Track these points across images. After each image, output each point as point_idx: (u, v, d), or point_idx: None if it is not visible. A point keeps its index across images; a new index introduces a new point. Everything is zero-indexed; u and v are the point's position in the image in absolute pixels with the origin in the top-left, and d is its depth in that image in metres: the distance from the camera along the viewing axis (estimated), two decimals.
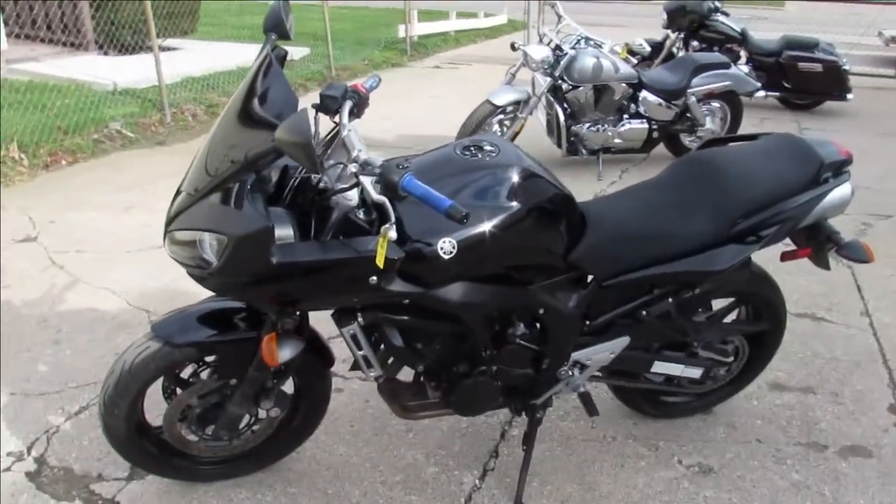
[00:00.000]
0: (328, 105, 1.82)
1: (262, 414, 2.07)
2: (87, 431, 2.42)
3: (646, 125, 5.35)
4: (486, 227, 1.74)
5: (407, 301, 1.78)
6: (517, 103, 5.17)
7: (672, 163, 2.22)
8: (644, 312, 2.10)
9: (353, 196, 1.65)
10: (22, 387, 2.68)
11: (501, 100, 5.08)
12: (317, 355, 2.03)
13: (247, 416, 2.07)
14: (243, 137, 1.70)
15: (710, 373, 2.35)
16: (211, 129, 1.83)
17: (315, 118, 1.85)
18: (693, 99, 5.32)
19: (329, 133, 1.86)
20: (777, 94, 7.39)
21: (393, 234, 1.50)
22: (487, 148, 1.87)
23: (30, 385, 2.69)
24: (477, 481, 2.26)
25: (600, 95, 5.23)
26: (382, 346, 1.94)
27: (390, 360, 1.97)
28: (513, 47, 5.30)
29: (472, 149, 1.86)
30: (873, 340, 3.12)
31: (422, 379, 2.09)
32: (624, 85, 5.22)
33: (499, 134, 5.30)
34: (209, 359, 1.97)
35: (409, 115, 7.00)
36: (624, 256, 2.00)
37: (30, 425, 2.46)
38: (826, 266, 2.25)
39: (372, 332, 1.90)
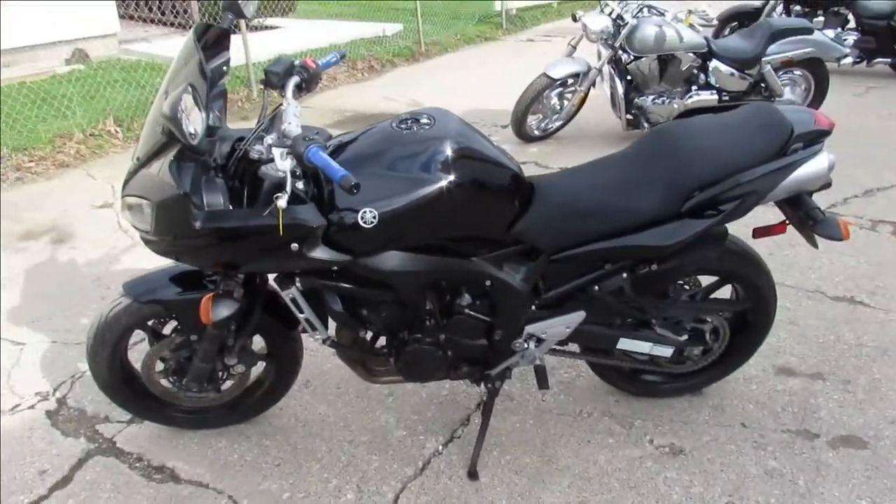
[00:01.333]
0: (271, 81, 1.91)
1: (237, 370, 2.23)
2: None
3: (716, 97, 5.07)
4: (410, 198, 1.78)
5: (335, 269, 1.86)
6: (576, 76, 5.06)
7: (640, 136, 2.14)
8: (596, 288, 2.07)
9: (283, 167, 1.72)
10: (63, 336, 3.00)
11: (559, 72, 4.99)
12: (278, 318, 2.15)
13: (219, 372, 2.23)
14: None
15: (683, 352, 2.27)
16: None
17: (264, 92, 1.97)
18: (769, 68, 4.98)
19: (275, 108, 1.95)
20: (888, 60, 6.74)
21: (282, 204, 1.57)
22: (423, 121, 1.90)
23: (70, 335, 3.01)
24: (440, 447, 2.33)
25: (666, 66, 5.02)
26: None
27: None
28: (574, 18, 5.17)
29: (408, 121, 1.90)
30: None
31: (377, 345, 2.18)
32: (691, 54, 4.97)
33: (557, 108, 5.22)
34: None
35: (485, 89, 6.98)
36: (570, 231, 1.97)
37: (61, 370, 2.77)
38: (813, 244, 2.11)
39: (315, 296, 1.99)
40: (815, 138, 1.95)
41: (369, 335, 2.12)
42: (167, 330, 2.22)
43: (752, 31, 5.15)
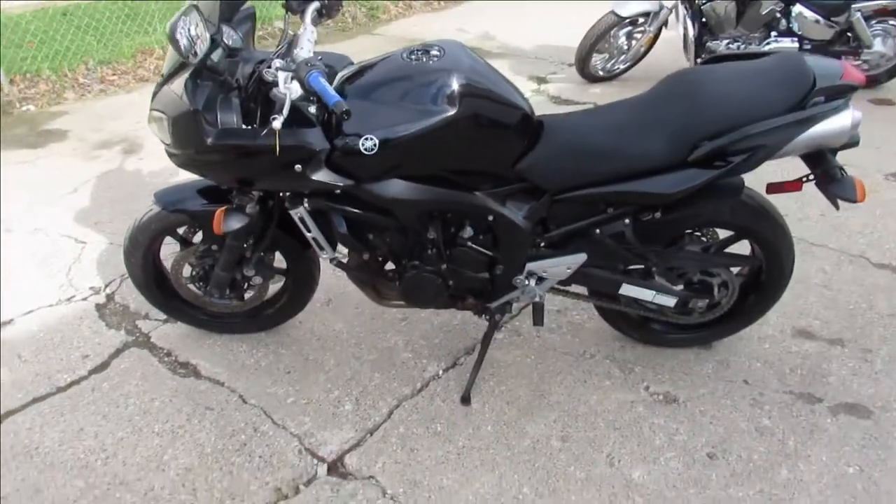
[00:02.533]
0: (291, 6, 1.98)
1: (255, 281, 2.39)
2: None
3: (796, 44, 4.78)
4: (411, 128, 1.83)
5: (339, 192, 1.95)
6: (647, 15, 4.87)
7: (661, 79, 2.10)
8: (597, 231, 2.08)
9: (283, 90, 1.79)
10: (120, 239, 3.20)
11: (627, 10, 4.81)
12: (294, 235, 2.27)
13: (242, 281, 2.39)
14: None
15: (687, 303, 2.26)
16: None
17: (286, 17, 2.04)
18: (858, 15, 4.63)
19: (294, 33, 2.02)
20: None
21: (277, 125, 1.65)
22: (433, 52, 1.92)
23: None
24: (440, 372, 2.44)
25: (744, 8, 4.74)
26: None
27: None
28: None
29: (418, 52, 1.93)
30: None
31: (385, 267, 2.28)
32: None
33: (625, 48, 5.06)
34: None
35: (562, 24, 6.77)
36: (574, 171, 1.98)
37: (113, 269, 3.02)
38: (835, 204, 2.04)
39: (323, 217, 2.09)
40: (840, 93, 1.86)
41: (377, 259, 2.21)
42: (197, 239, 2.38)
43: None
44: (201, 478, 2.04)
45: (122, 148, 4.31)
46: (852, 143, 1.95)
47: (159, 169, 3.96)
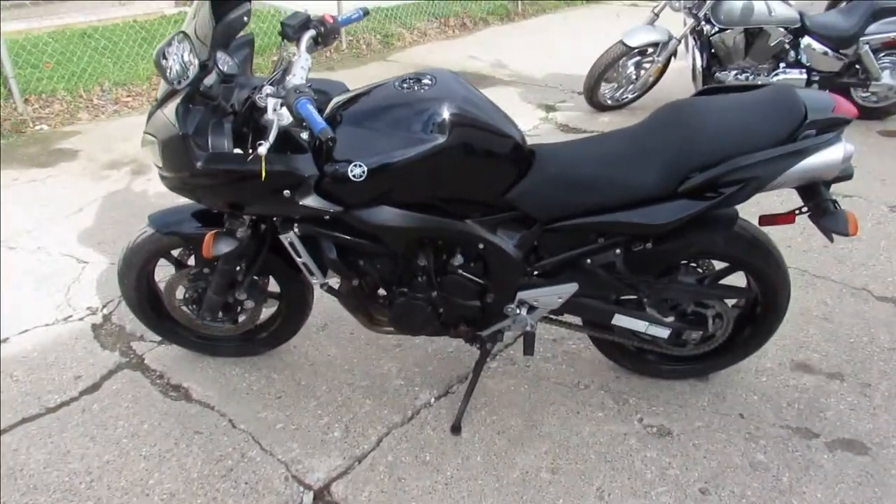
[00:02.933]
0: (286, 33, 2.00)
1: (247, 305, 2.39)
2: None
3: (804, 76, 4.78)
4: (400, 156, 1.83)
5: (328, 217, 1.95)
6: (656, 45, 4.88)
7: (655, 110, 2.09)
8: (588, 260, 2.06)
9: (271, 116, 1.81)
10: None
11: (636, 40, 4.83)
12: (286, 260, 2.27)
13: (234, 305, 2.39)
14: None
15: (680, 335, 2.24)
16: None
17: (282, 44, 2.07)
18: (866, 48, 4.63)
19: (289, 60, 2.04)
20: None
21: (262, 151, 1.66)
22: (425, 81, 1.93)
23: None
24: (432, 400, 2.42)
25: (753, 40, 4.76)
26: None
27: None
28: None
29: (409, 81, 1.94)
30: None
31: (377, 293, 2.27)
32: (782, 29, 4.69)
33: (633, 77, 5.07)
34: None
35: (573, 54, 6.84)
36: (564, 201, 1.97)
37: (112, 289, 3.02)
38: (828, 236, 2.01)
39: (314, 242, 2.10)
40: (832, 126, 1.85)
41: (368, 285, 2.21)
42: (191, 262, 2.39)
43: (852, 7, 4.78)
44: (185, 503, 2.03)
45: (130, 169, 4.36)
46: (845, 175, 1.94)
47: (166, 191, 3.97)
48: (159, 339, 2.69)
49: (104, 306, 2.94)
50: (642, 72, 5.06)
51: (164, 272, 2.51)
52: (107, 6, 7.39)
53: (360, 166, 1.82)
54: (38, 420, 2.33)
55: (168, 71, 1.62)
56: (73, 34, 6.34)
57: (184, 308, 2.43)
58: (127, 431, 2.28)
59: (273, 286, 2.43)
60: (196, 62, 1.73)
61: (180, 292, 2.40)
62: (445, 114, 1.85)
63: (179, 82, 1.68)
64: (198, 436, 2.26)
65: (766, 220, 2.06)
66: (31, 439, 2.25)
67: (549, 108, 5.40)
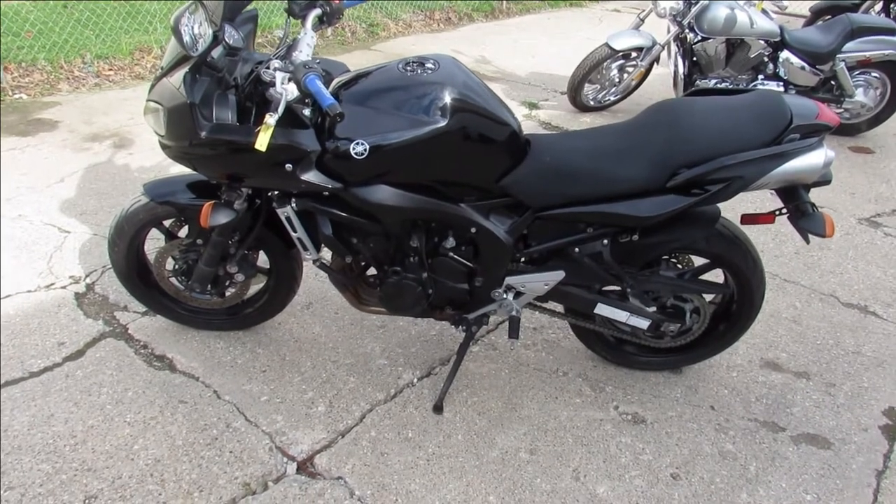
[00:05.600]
0: (293, 10, 2.04)
1: (237, 278, 2.41)
2: None
3: (782, 89, 4.92)
4: (401, 137, 1.87)
5: (327, 193, 1.99)
6: (640, 49, 4.98)
7: (647, 107, 2.17)
8: (577, 249, 2.13)
9: (280, 89, 1.83)
10: (104, 230, 3.26)
11: (621, 44, 4.92)
12: (279, 235, 2.30)
13: (224, 278, 2.41)
14: None
15: (659, 326, 2.32)
16: None
17: (286, 21, 2.10)
18: (842, 65, 4.78)
19: (294, 37, 2.07)
20: None
21: (271, 121, 1.69)
22: (428, 65, 1.98)
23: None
24: (415, 380, 2.47)
25: (733, 51, 4.89)
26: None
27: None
28: None
29: (413, 64, 1.99)
30: None
31: (367, 272, 2.31)
32: (762, 42, 4.82)
33: (616, 80, 5.17)
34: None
35: (555, 55, 6.94)
36: (554, 190, 2.03)
37: (95, 260, 3.03)
38: (805, 238, 2.11)
39: (310, 218, 2.13)
40: (815, 131, 1.94)
41: (359, 263, 2.25)
42: (182, 233, 2.40)
43: (831, 24, 4.93)
44: (170, 469, 2.05)
45: (112, 142, 4.32)
46: (824, 180, 2.03)
47: (149, 165, 3.98)
48: (143, 309, 2.70)
49: (87, 276, 2.93)
50: (625, 75, 5.16)
51: (150, 245, 2.52)
52: None
53: (362, 144, 1.86)
54: (21, 384, 2.32)
55: (184, 38, 1.65)
56: (55, 4, 6.24)
57: (173, 279, 2.44)
58: (111, 398, 2.29)
59: (262, 261, 2.45)
60: (209, 32, 1.75)
61: (170, 263, 2.41)
62: (447, 98, 1.89)
63: (193, 51, 1.70)
64: (182, 405, 2.28)
65: (748, 218, 2.15)
66: (14, 402, 2.24)
67: (533, 106, 5.48)
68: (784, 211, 2.07)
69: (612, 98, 5.27)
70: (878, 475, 2.18)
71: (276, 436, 2.19)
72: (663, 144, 1.98)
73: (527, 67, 6.56)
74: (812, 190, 2.06)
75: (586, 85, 5.16)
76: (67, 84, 5.28)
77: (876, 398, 2.50)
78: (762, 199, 3.76)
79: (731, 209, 2.31)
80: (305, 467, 2.10)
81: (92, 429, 2.17)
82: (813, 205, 2.03)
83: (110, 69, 5.58)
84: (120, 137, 4.39)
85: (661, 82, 5.32)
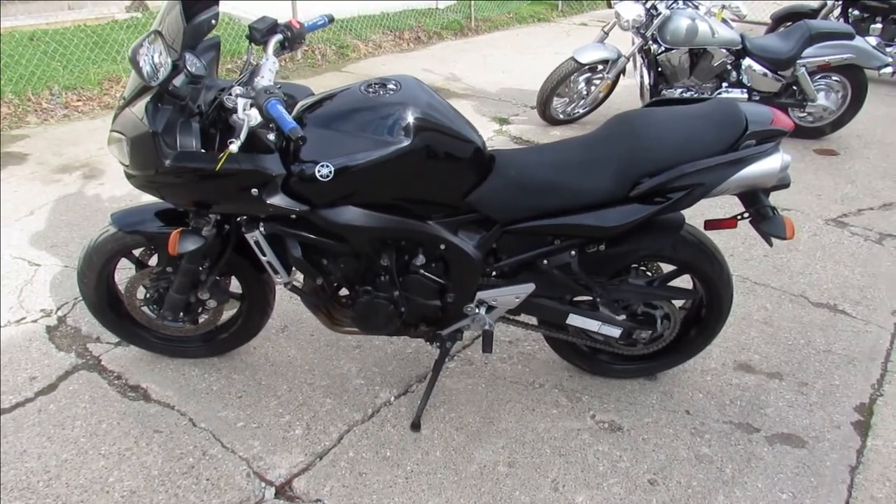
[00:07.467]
0: (254, 36, 2.06)
1: (209, 305, 2.40)
2: None
3: (745, 96, 5.02)
4: (365, 158, 1.89)
5: (294, 217, 2.00)
6: (606, 62, 5.06)
7: (607, 119, 2.21)
8: (545, 262, 2.15)
9: (242, 115, 1.85)
10: (74, 262, 3.20)
11: (587, 57, 5.00)
12: (250, 260, 2.30)
13: (195, 305, 2.40)
14: None
15: (631, 334, 2.35)
16: None
17: (249, 47, 2.12)
18: (803, 70, 4.89)
19: (256, 63, 2.08)
20: None
21: (234, 148, 1.71)
22: (390, 86, 2.00)
23: None
24: (392, 398, 2.47)
25: (697, 60, 4.99)
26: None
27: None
28: (609, 4, 5.16)
29: (374, 85, 2.01)
30: (887, 340, 2.87)
31: (339, 293, 2.32)
32: (724, 50, 4.93)
33: (584, 93, 5.24)
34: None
35: (525, 71, 7.02)
36: (520, 204, 2.06)
37: (66, 292, 3.01)
38: (768, 241, 2.15)
39: (279, 241, 2.13)
40: (770, 137, 1.98)
41: (331, 284, 2.25)
42: (153, 262, 2.40)
43: (790, 31, 5.05)
44: (146, 500, 2.03)
45: (82, 173, 4.30)
46: (782, 184, 2.07)
47: (120, 194, 3.96)
48: (116, 340, 2.68)
49: (59, 308, 2.91)
50: (592, 88, 5.23)
51: (121, 275, 2.51)
52: (56, 9, 7.25)
53: (327, 166, 1.88)
54: None
55: (143, 69, 1.66)
56: (21, 36, 6.22)
57: (144, 308, 2.43)
58: (85, 431, 2.27)
59: (234, 287, 2.45)
60: (168, 61, 1.76)
61: (141, 292, 2.41)
62: (410, 118, 1.92)
63: (154, 80, 1.71)
64: (157, 434, 2.26)
65: (711, 224, 2.19)
66: None
67: (503, 121, 5.53)
68: (746, 215, 2.11)
69: (581, 111, 5.34)
70: (852, 471, 2.22)
71: (254, 461, 2.18)
72: (624, 155, 2.01)
73: (497, 83, 6.63)
74: (780, 193, 2.10)
75: (555, 98, 5.22)
76: (35, 116, 5.25)
77: (847, 395, 2.54)
78: (731, 205, 3.82)
79: (701, 215, 2.36)
80: (284, 491, 2.08)
81: (66, 463, 2.14)
82: (773, 208, 2.08)
83: (79, 100, 5.56)
84: (90, 168, 4.37)
85: (629, 93, 5.39)
